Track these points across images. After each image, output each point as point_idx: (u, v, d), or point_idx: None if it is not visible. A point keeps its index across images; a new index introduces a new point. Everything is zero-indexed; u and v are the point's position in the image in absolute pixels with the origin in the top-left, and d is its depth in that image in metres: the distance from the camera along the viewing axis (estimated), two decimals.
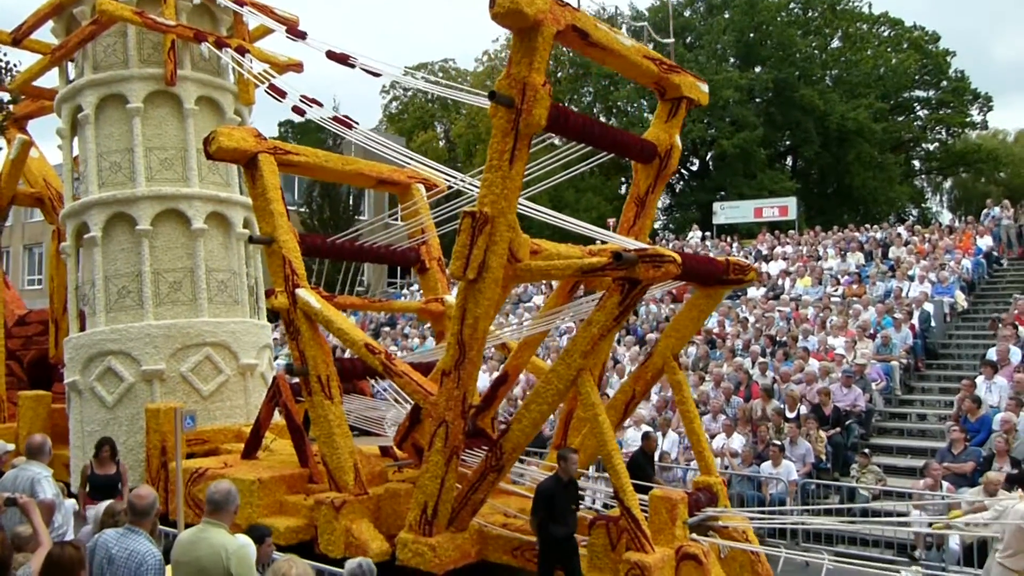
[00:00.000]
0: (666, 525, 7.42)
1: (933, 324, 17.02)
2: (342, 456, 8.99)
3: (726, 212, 35.12)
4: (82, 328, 12.47)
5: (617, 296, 7.39)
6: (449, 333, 8.02)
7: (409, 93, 69.05)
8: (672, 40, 9.89)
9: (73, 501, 7.90)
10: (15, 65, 12.37)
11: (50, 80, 14.54)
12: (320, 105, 11.33)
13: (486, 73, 61.46)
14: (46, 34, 14.07)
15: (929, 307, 17.24)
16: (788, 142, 47.00)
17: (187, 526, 6.05)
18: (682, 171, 49.74)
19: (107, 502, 6.59)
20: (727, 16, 46.76)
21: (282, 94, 11.29)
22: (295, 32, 11.56)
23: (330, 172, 10.71)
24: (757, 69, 44.65)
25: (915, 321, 16.55)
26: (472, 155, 49.88)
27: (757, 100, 43.66)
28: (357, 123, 10.87)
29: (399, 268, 52.16)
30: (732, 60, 45.73)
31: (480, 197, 7.70)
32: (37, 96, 14.75)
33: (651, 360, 9.08)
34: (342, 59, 10.61)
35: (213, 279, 12.25)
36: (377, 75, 10.99)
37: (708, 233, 30.98)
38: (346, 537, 8.58)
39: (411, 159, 10.23)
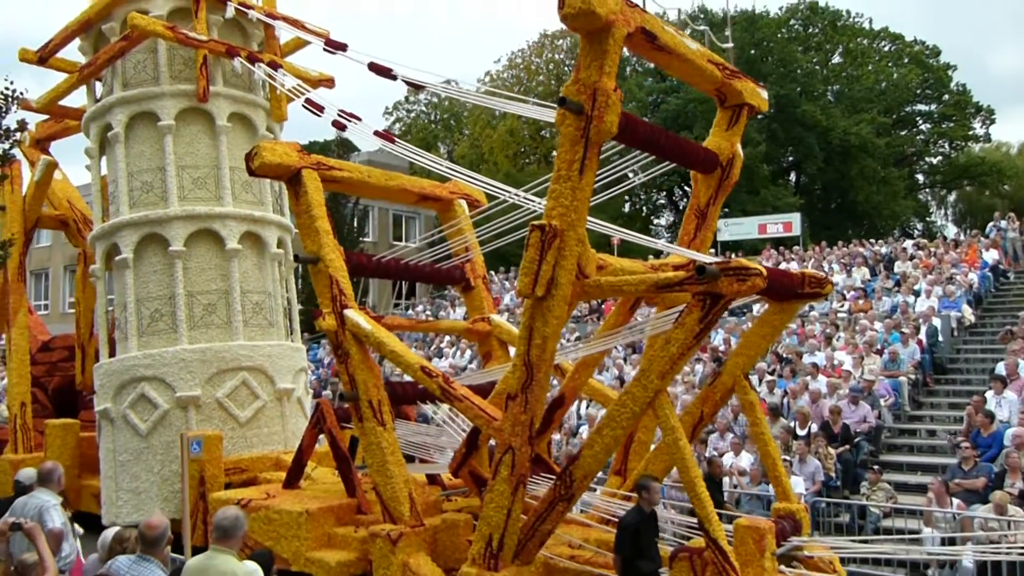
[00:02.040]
0: (754, 557, 6.92)
1: (941, 339, 16.80)
2: (396, 485, 8.51)
3: (730, 229, 34.82)
4: (112, 353, 12.05)
5: (697, 312, 6.94)
6: (515, 354, 7.57)
7: (412, 114, 69.01)
8: (731, 45, 9.50)
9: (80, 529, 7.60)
10: (23, 92, 12.01)
11: (75, 99, 14.25)
12: (359, 120, 10.97)
13: (490, 92, 61.23)
14: (71, 53, 13.78)
15: (936, 322, 17.02)
16: (791, 158, 46.86)
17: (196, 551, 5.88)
18: (685, 188, 49.61)
19: (114, 529, 6.32)
20: (727, 33, 46.61)
21: (320, 108, 10.91)
22: (334, 44, 11.19)
23: (373, 188, 10.31)
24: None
25: (922, 336, 16.40)
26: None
27: (759, 116, 43.41)
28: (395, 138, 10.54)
29: (405, 286, 52.02)
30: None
31: (548, 210, 7.28)
32: (63, 116, 14.41)
33: (720, 380, 8.61)
34: (385, 71, 10.24)
35: (248, 301, 11.84)
36: (420, 88, 10.64)
37: (713, 250, 30.64)
38: (403, 572, 8.08)
39: (455, 171, 9.83)
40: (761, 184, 41.05)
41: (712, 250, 30.22)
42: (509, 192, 9.23)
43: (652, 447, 9.33)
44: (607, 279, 7.70)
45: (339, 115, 10.77)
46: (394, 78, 10.45)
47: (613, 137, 7.28)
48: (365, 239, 43.09)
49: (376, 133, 10.60)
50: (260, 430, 11.48)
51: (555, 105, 8.13)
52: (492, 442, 9.09)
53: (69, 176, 16.30)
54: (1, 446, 14.43)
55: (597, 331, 9.61)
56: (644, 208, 51.24)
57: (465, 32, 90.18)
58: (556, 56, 62.11)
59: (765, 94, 9.21)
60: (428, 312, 31.93)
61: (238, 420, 11.31)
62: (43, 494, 6.81)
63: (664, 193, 50.24)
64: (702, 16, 43.99)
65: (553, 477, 9.10)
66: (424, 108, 70.32)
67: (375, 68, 10.38)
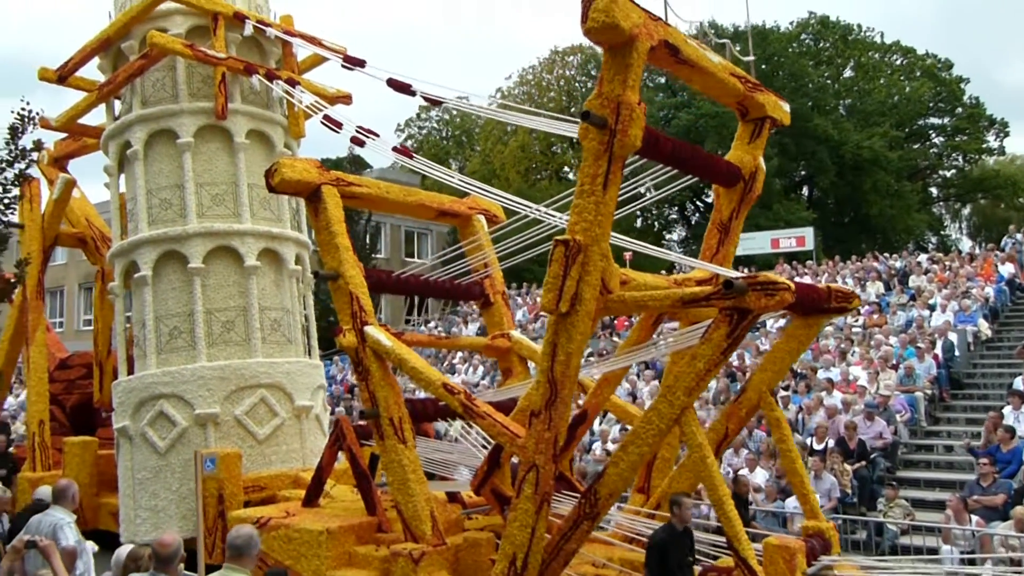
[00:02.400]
0: None
1: (957, 353, 16.65)
2: (418, 504, 8.42)
3: (743, 243, 34.56)
4: (131, 371, 12.03)
5: (725, 327, 6.85)
6: (539, 371, 7.48)
7: (424, 131, 69.24)
8: (752, 58, 9.46)
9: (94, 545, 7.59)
10: (39, 112, 12.07)
11: (93, 118, 14.33)
12: (377, 136, 10.96)
13: (505, 108, 61.38)
14: (90, 72, 13.85)
15: (952, 336, 16.83)
16: (803, 172, 46.75)
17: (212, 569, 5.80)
18: (697, 203, 49.51)
19: (128, 546, 6.29)
20: (738, 48, 46.70)
21: (338, 125, 10.91)
22: (353, 60, 11.21)
23: (392, 203, 10.26)
24: None
25: (938, 351, 16.25)
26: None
27: (771, 130, 43.31)
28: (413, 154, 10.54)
29: (417, 302, 52.01)
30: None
31: (571, 224, 7.20)
32: (82, 134, 14.48)
33: (745, 395, 8.50)
34: (404, 87, 10.24)
35: (266, 318, 11.81)
36: (439, 103, 10.62)
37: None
38: None
39: (475, 187, 9.78)
40: (773, 198, 40.90)
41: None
42: (530, 207, 9.17)
43: (674, 464, 9.24)
44: (631, 294, 7.62)
45: (357, 131, 10.77)
46: (413, 94, 10.46)
47: (636, 151, 7.23)
48: (377, 255, 43.12)
49: (394, 149, 10.59)
50: (279, 447, 11.42)
51: (576, 119, 8.10)
52: (514, 459, 9.01)
53: (86, 194, 16.37)
54: (19, 464, 14.40)
55: (619, 347, 9.52)
56: (656, 223, 51.19)
57: (475, 49, 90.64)
58: (567, 72, 62.26)
59: (787, 107, 9.17)
60: (440, 329, 31.90)
61: (256, 437, 11.26)
62: (58, 512, 6.86)
63: (676, 208, 50.18)
64: (712, 31, 44.09)
65: (576, 495, 9.00)
66: (436, 125, 70.58)
67: (394, 84, 10.38)
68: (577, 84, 60.34)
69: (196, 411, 11.03)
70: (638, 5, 6.93)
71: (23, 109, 12.10)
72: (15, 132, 11.95)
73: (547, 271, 7.17)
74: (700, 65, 7.78)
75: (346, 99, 13.43)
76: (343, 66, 11.41)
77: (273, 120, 12.59)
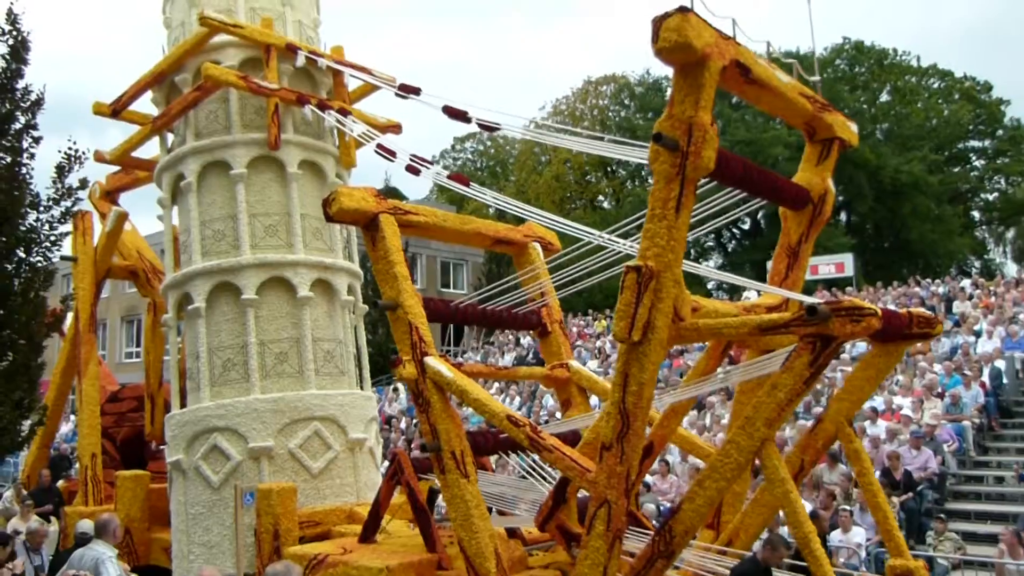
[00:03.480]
0: None
1: (1005, 381, 16.09)
2: (482, 540, 8.15)
3: None
4: (184, 404, 11.94)
5: (807, 355, 6.56)
6: (609, 402, 7.22)
7: (459, 162, 69.60)
8: (818, 78, 9.19)
9: None
10: (84, 152, 12.16)
11: (144, 151, 14.40)
12: (431, 164, 10.85)
13: (535, 141, 61.71)
14: (141, 105, 13.92)
15: (1000, 363, 16.25)
16: (841, 197, 46.16)
17: None
18: (734, 230, 48.97)
19: None
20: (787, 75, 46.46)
21: (392, 154, 10.83)
22: (408, 88, 11.13)
23: (449, 232, 10.10)
24: None
25: (985, 378, 15.81)
26: (522, 221, 50.39)
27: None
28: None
29: (453, 330, 51.78)
30: (779, 118, 45.26)
31: (642, 250, 6.97)
32: (134, 167, 14.57)
33: (821, 426, 8.17)
34: (460, 115, 10.13)
35: (319, 349, 11.66)
36: (493, 129, 10.49)
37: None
38: None
39: (534, 214, 9.60)
40: None
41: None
42: (593, 234, 8.97)
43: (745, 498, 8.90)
44: (704, 322, 7.35)
45: (411, 159, 10.68)
46: (468, 120, 10.36)
47: (708, 174, 7.01)
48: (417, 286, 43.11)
49: (451, 176, 10.46)
50: (333, 481, 11.22)
51: (637, 143, 7.91)
52: (581, 494, 8.72)
53: (137, 227, 16.47)
54: (70, 498, 14.38)
55: (686, 376, 9.23)
56: (692, 251, 50.81)
57: (508, 79, 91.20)
58: (600, 102, 62.35)
59: (855, 127, 8.92)
60: (476, 359, 31.74)
61: (310, 471, 11.07)
62: (99, 546, 6.93)
63: (713, 236, 49.79)
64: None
65: (644, 531, 8.70)
66: (471, 156, 70.95)
67: (449, 111, 10.28)
68: (610, 114, 60.42)
69: (250, 444, 10.89)
70: (709, 24, 6.75)
71: (70, 148, 12.24)
72: (62, 171, 12.05)
73: (618, 298, 6.95)
74: (770, 85, 7.56)
75: (396, 128, 13.36)
76: (397, 94, 11.33)
77: (325, 150, 12.54)
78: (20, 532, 11.64)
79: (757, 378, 8.41)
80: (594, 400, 12.36)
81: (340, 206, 8.89)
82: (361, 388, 12.44)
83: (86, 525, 8.62)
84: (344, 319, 12.29)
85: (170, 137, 13.05)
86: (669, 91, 7.05)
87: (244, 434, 10.93)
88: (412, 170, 10.44)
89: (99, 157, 13.86)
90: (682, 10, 6.52)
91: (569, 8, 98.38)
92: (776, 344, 8.37)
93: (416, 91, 11.01)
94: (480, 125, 10.34)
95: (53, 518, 14.34)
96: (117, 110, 13.34)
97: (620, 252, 9.25)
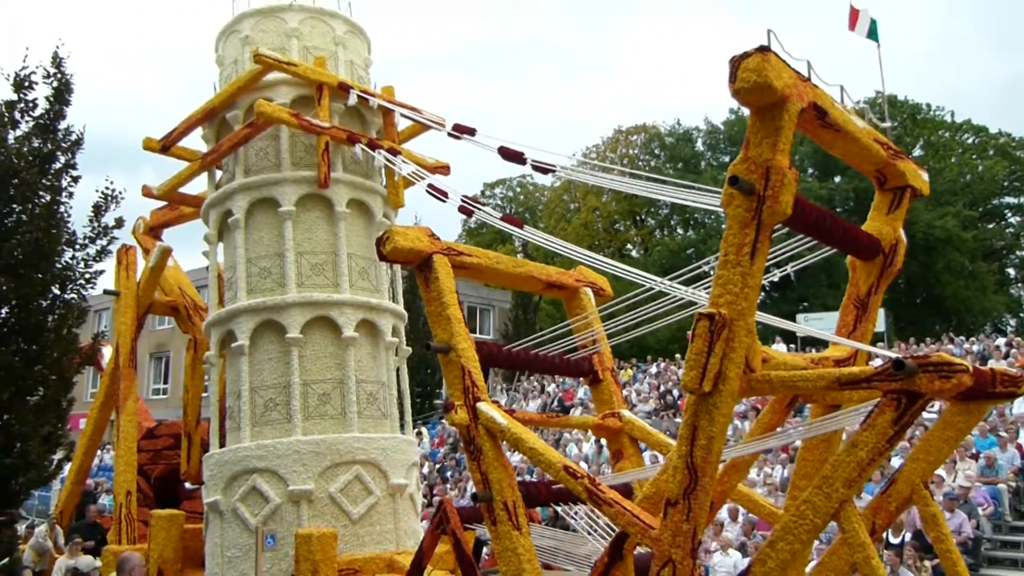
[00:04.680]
0: None
1: None
2: None
3: (810, 323, 33.60)
4: (223, 443, 11.71)
5: (891, 413, 6.21)
6: (676, 455, 6.88)
7: (487, 206, 69.76)
8: (890, 124, 8.94)
9: None
10: (121, 192, 12.17)
11: (190, 187, 14.38)
12: (481, 206, 10.69)
13: (563, 188, 61.94)
14: (188, 142, 13.96)
15: None
16: None
17: None
18: (763, 282, 48.56)
19: None
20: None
21: (444, 194, 10.67)
22: (463, 129, 11.00)
23: (502, 274, 9.87)
24: (836, 179, 43.78)
25: (1022, 440, 15.12)
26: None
27: (838, 210, 42.75)
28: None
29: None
30: (810, 171, 45.01)
31: (714, 297, 6.69)
32: (181, 202, 14.56)
33: (894, 487, 7.71)
34: (516, 156, 9.98)
35: (362, 391, 11.43)
36: (548, 171, 10.32)
37: (793, 345, 29.46)
38: None
39: (591, 258, 9.36)
40: (842, 278, 39.82)
41: (791, 345, 29.13)
42: (653, 280, 8.71)
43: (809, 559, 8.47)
44: (778, 374, 7.02)
45: (463, 201, 10.52)
46: (523, 162, 10.21)
47: (784, 219, 6.75)
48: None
49: (503, 218, 10.27)
50: (373, 528, 10.90)
51: (712, 188, 7.69)
52: (639, 550, 8.34)
53: (179, 263, 16.45)
54: (104, 534, 14.15)
55: (749, 431, 8.86)
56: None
57: (538, 130, 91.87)
58: (631, 151, 62.43)
59: (926, 176, 8.62)
60: (501, 404, 31.36)
61: (350, 517, 10.76)
62: None
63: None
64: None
65: None
66: (500, 202, 71.19)
67: (505, 152, 10.14)
68: (640, 164, 60.42)
69: (290, 487, 10.62)
70: (788, 65, 6.54)
71: (107, 187, 12.26)
72: (98, 209, 12.05)
73: (689, 347, 6.65)
74: (846, 130, 7.31)
75: (444, 169, 13.26)
76: (450, 134, 11.21)
77: (373, 190, 12.44)
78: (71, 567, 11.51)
79: (822, 434, 8.08)
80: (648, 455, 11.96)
81: (394, 245, 8.70)
82: (402, 432, 12.15)
83: (85, 562, 8.38)
84: (388, 361, 12.06)
85: (218, 174, 13.01)
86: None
87: (284, 476, 10.67)
88: (465, 211, 10.28)
89: (147, 192, 13.87)
90: (762, 49, 6.31)
91: (600, 65, 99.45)
92: (845, 399, 8.02)
93: (471, 131, 10.88)
94: (535, 167, 10.17)
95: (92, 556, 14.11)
96: (167, 146, 13.37)
97: (679, 299, 8.99)
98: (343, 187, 12.02)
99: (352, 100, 11.97)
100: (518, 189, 70.89)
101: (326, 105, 11.84)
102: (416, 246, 8.85)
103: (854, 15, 8.85)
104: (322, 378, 11.27)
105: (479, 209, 10.32)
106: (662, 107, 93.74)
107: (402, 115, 12.44)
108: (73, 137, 12.50)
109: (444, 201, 10.59)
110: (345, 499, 10.78)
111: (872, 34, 8.90)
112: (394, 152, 11.96)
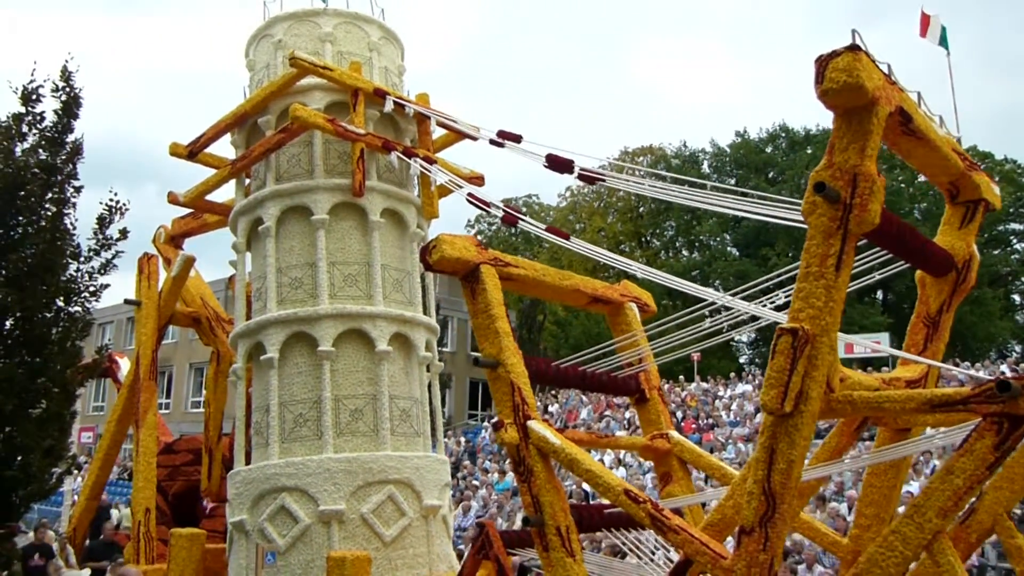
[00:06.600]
0: None
1: None
2: None
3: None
4: (248, 460, 11.25)
5: (991, 438, 5.75)
6: (752, 481, 6.43)
7: (494, 227, 69.54)
8: (960, 135, 8.53)
9: None
10: (126, 204, 11.82)
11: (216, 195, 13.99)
12: (523, 216, 10.29)
13: (569, 208, 61.70)
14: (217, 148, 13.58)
15: None
16: (877, 275, 45.27)
17: None
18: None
19: None
20: (809, 151, 46.91)
21: (486, 204, 10.29)
22: (507, 136, 10.59)
23: (548, 287, 9.45)
24: None
25: None
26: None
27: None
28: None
29: (480, 397, 50.53)
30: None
31: (794, 311, 6.26)
32: (207, 210, 14.16)
33: (975, 518, 7.28)
34: (565, 164, 9.59)
35: (395, 407, 10.98)
36: (594, 181, 9.93)
37: None
38: None
39: (647, 271, 8.95)
40: (847, 302, 39.49)
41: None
42: (710, 294, 8.29)
43: None
44: (861, 394, 6.57)
45: (506, 210, 10.13)
46: (572, 171, 9.81)
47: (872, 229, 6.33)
48: (443, 349, 42.48)
49: (548, 229, 9.88)
50: (405, 551, 10.42)
51: (792, 200, 7.31)
52: None
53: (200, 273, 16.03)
54: (121, 552, 13.65)
55: (815, 454, 8.39)
56: (725, 326, 49.92)
57: (548, 144, 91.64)
58: (637, 172, 62.13)
59: (998, 190, 8.20)
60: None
61: (383, 539, 10.29)
62: None
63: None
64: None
65: None
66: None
67: (552, 159, 9.76)
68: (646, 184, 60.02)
69: (320, 507, 10.16)
70: (878, 66, 6.15)
71: (111, 199, 11.92)
72: (103, 222, 11.72)
73: (769, 364, 6.22)
74: (927, 137, 6.91)
75: (479, 180, 12.87)
76: (493, 141, 10.79)
77: (408, 199, 12.05)
78: None
79: (891, 460, 7.64)
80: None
81: (442, 254, 8.29)
82: (434, 450, 11.69)
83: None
84: (421, 376, 11.62)
85: (246, 181, 12.64)
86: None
87: (314, 495, 10.21)
88: (509, 220, 9.87)
89: (173, 199, 13.49)
90: (852, 48, 5.91)
91: (608, 94, 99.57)
92: (918, 422, 7.60)
93: (517, 138, 10.47)
94: (582, 177, 9.78)
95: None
96: (194, 151, 13.00)
97: (737, 316, 8.59)
98: (377, 196, 11.63)
99: (388, 107, 11.60)
100: (524, 209, 70.60)
101: (362, 111, 11.47)
102: (464, 256, 8.44)
103: (925, 21, 8.46)
104: (354, 393, 10.83)
105: (524, 219, 9.90)
106: (668, 129, 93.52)
107: (438, 123, 12.04)
108: (73, 146, 12.10)
109: (486, 211, 10.20)
110: (377, 520, 10.31)
111: (943, 41, 8.52)
112: (430, 161, 11.58)
